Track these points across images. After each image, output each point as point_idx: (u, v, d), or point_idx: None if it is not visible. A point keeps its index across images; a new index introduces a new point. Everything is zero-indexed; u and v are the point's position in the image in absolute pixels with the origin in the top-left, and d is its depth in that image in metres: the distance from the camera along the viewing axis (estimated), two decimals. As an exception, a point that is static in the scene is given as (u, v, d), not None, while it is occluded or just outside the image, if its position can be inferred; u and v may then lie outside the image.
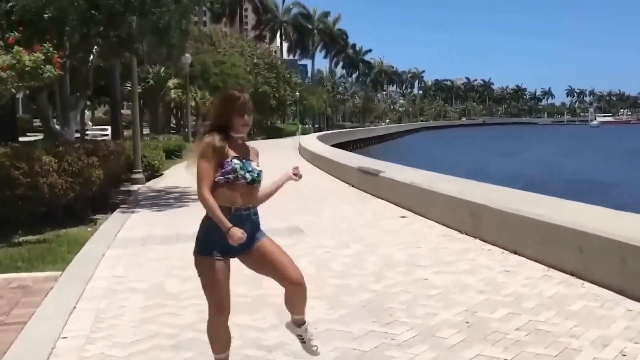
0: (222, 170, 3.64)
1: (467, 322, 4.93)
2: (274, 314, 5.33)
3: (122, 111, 35.41)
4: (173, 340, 4.76)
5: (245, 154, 3.76)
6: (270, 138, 57.61)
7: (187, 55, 31.61)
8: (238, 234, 3.54)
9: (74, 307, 5.72)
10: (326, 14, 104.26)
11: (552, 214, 6.88)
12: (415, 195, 10.63)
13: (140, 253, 8.15)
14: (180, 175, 20.19)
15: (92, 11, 13.10)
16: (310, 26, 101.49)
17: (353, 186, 14.99)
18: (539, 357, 4.21)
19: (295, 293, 3.83)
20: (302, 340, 4.01)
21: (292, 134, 62.96)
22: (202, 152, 3.63)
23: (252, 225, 3.75)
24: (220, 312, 3.74)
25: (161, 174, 20.05)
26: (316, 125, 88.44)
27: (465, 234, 8.43)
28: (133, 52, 16.08)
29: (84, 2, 11.83)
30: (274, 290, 6.07)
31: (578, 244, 6.13)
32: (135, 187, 16.29)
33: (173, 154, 26.67)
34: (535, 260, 6.77)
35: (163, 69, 37.59)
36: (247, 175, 3.67)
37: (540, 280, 6.13)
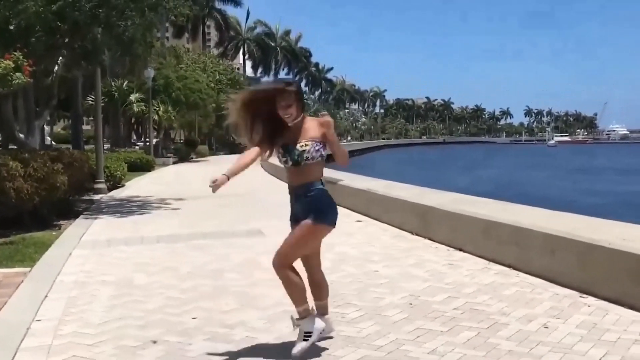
0: None
1: (410, 304, 5.44)
2: (234, 300, 5.76)
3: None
4: (141, 321, 5.15)
5: (291, 139, 4.15)
6: (233, 153, 57.91)
7: (149, 69, 31.90)
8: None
9: (46, 297, 6.05)
10: (287, 32, 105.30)
11: (493, 213, 7.47)
12: (371, 201, 11.17)
13: (107, 253, 8.48)
14: (142, 186, 20.49)
15: (58, 22, 13.41)
16: (273, 44, 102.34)
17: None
18: (472, 329, 4.73)
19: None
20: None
21: (254, 149, 63.18)
22: None
23: (301, 206, 4.21)
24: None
25: (123, 185, 20.28)
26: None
27: (416, 234, 8.98)
28: (97, 64, 16.39)
29: (50, 14, 12.14)
30: (235, 281, 6.56)
31: (515, 239, 6.72)
32: (97, 197, 16.51)
33: (135, 167, 26.84)
34: (478, 256, 7.34)
35: (126, 82, 37.72)
36: (289, 159, 4.15)
37: (480, 271, 6.69)
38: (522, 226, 6.65)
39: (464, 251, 7.68)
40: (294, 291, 4.24)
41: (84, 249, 8.81)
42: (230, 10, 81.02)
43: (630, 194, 33.27)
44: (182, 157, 41.81)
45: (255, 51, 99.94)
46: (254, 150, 4.28)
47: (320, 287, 4.49)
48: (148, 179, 24.35)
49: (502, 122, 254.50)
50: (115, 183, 19.35)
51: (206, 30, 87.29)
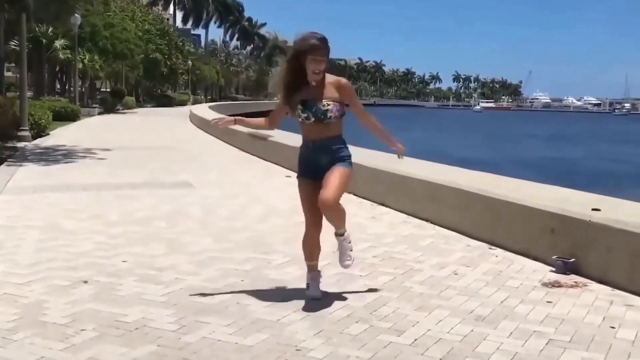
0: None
1: (333, 252, 5.72)
2: (164, 246, 5.93)
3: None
4: (71, 263, 5.27)
5: (312, 96, 4.26)
6: (161, 106, 56.90)
7: (76, 15, 30.76)
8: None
9: (-29, 240, 6.05)
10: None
11: (412, 170, 7.85)
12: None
13: (33, 199, 8.43)
14: (67, 135, 20.06)
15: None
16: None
17: (243, 150, 15.61)
18: (388, 274, 5.09)
19: (323, 212, 4.37)
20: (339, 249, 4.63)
21: (183, 103, 62.30)
22: None
23: (329, 158, 4.35)
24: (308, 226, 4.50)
25: (47, 134, 19.80)
26: (209, 97, 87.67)
27: (342, 190, 9.28)
28: (22, 8, 15.85)
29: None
30: (164, 229, 6.71)
31: (432, 194, 7.12)
32: (21, 144, 16.12)
33: (59, 116, 26.18)
34: (399, 210, 7.72)
35: (51, 28, 36.24)
36: (311, 115, 4.26)
37: (399, 224, 7.07)
38: (438, 182, 7.05)
39: (386, 206, 8.06)
40: (343, 216, 4.50)
41: (9, 194, 8.74)
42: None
43: (543, 159, 34.88)
44: (108, 108, 40.86)
45: (187, 2, 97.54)
46: (268, 119, 4.67)
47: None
48: (73, 128, 23.81)
49: (432, 86, 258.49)
50: (39, 131, 18.89)
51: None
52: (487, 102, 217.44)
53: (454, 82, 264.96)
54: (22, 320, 3.93)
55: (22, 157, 13.56)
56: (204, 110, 31.83)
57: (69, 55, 35.59)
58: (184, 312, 4.14)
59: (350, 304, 4.39)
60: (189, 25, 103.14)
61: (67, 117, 27.67)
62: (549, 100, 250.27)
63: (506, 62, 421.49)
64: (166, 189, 9.55)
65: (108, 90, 56.24)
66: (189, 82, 73.60)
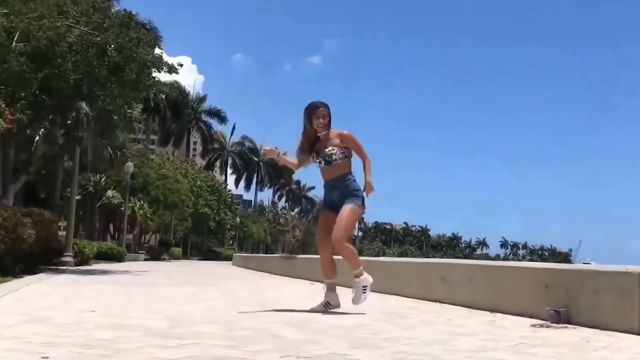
0: None
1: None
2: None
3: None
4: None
5: (321, 146, 5.48)
6: (206, 259, 58.01)
7: (129, 163, 32.77)
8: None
9: None
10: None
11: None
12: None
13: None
14: (109, 267, 20.77)
15: (43, 96, 14.29)
16: (256, 159, 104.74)
17: (274, 274, 15.99)
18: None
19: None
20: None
21: (229, 258, 63.37)
22: None
23: (339, 192, 5.46)
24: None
25: (90, 265, 20.53)
26: (255, 254, 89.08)
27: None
28: (77, 141, 17.21)
29: (35, 80, 12.89)
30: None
31: (441, 275, 7.28)
32: (63, 267, 16.79)
33: (105, 256, 27.15)
34: (407, 296, 7.86)
35: (104, 178, 38.52)
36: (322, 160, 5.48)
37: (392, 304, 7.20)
38: (446, 262, 7.25)
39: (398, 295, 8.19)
40: (353, 257, 5.47)
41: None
42: (216, 125, 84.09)
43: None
44: (154, 255, 41.98)
45: (240, 165, 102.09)
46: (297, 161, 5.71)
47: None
48: (116, 266, 24.57)
49: (479, 252, 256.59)
50: (82, 260, 19.63)
51: (192, 139, 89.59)
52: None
53: (501, 248, 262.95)
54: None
55: (63, 271, 14.14)
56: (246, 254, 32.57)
57: (122, 201, 37.42)
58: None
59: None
60: (241, 185, 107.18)
61: (112, 257, 28.61)
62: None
63: (555, 229, 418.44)
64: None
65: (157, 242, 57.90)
66: (236, 237, 75.30)
